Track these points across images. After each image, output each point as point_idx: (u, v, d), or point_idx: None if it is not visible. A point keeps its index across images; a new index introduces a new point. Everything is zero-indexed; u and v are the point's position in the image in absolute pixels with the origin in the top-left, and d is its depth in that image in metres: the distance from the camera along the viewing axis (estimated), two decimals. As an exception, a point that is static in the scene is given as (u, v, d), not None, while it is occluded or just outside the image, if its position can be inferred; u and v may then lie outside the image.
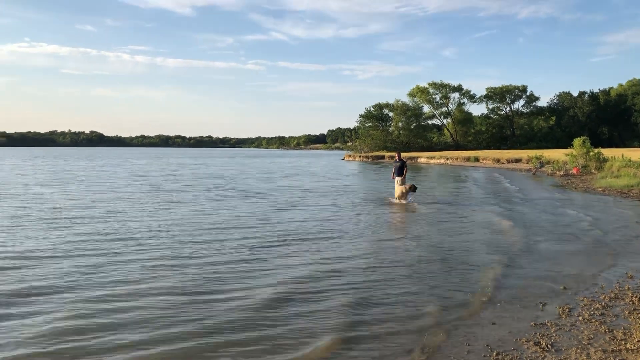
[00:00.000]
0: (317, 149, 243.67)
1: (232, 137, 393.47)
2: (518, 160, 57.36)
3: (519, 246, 12.45)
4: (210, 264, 10.29)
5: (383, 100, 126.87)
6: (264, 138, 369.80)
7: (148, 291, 8.35)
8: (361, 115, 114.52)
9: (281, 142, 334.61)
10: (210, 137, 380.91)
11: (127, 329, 6.66)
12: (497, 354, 5.90)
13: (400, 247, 12.36)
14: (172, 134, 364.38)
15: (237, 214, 17.90)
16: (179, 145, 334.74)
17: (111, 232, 13.95)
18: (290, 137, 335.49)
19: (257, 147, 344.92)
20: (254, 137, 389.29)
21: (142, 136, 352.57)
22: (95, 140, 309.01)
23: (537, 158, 48.72)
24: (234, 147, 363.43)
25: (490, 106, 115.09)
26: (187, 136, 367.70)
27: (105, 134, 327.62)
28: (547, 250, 11.96)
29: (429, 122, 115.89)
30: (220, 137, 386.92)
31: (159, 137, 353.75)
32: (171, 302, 7.77)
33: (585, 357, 5.74)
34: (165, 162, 74.61)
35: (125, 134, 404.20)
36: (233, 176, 41.12)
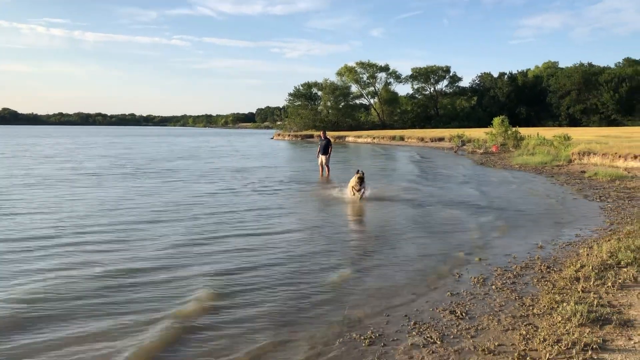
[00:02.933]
0: (246, 128, 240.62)
1: (157, 115, 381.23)
2: (441, 139, 59.14)
3: (437, 220, 12.89)
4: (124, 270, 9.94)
5: (312, 79, 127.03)
6: (190, 116, 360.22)
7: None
8: (290, 94, 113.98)
9: (208, 121, 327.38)
10: (133, 115, 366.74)
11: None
12: (415, 324, 6.08)
13: (318, 222, 12.48)
14: (92, 111, 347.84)
15: (161, 200, 17.39)
16: (99, 124, 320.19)
17: None
18: (218, 116, 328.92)
19: (183, 126, 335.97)
20: (179, 115, 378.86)
21: (60, 114, 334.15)
22: (9, 117, 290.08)
23: (459, 137, 50.41)
24: (159, 125, 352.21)
25: (416, 86, 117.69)
26: (109, 114, 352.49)
27: (20, 112, 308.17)
28: (464, 223, 12.44)
29: (357, 101, 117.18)
30: (144, 115, 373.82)
31: (79, 114, 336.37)
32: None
33: (496, 323, 6.02)
34: (83, 141, 71.15)
35: (41, 111, 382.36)
36: (159, 157, 39.87)
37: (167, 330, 5.85)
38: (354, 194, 15.57)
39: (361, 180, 15.35)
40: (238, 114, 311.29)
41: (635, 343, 5.22)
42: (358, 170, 15.79)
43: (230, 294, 7.15)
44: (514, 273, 8.13)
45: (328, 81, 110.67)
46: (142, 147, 53.63)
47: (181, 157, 38.10)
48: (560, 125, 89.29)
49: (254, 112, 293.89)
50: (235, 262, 8.76)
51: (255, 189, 18.75)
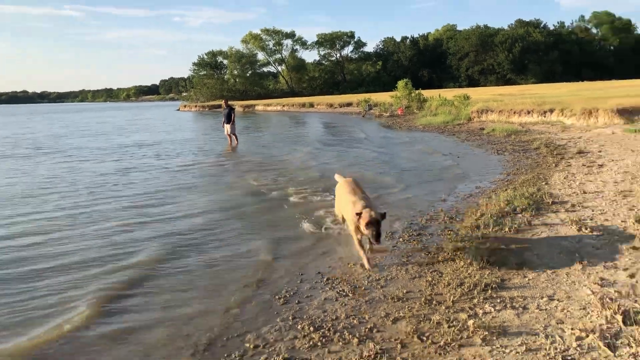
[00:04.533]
0: (150, 101, 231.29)
1: (53, 91, 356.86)
2: (349, 104, 59.96)
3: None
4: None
5: (217, 48, 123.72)
6: (89, 91, 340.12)
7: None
8: (194, 64, 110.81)
9: (109, 95, 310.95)
10: (25, 92, 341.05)
11: None
12: (328, 280, 6.20)
13: (232, 191, 12.38)
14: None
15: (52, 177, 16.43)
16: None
17: None
18: (119, 89, 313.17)
19: (82, 101, 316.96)
20: (77, 90, 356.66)
21: None
22: None
23: (366, 101, 51.31)
24: (56, 102, 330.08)
25: (322, 52, 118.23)
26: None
27: None
28: (371, 182, 12.76)
29: (265, 69, 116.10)
30: (38, 91, 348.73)
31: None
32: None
33: (404, 272, 6.26)
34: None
35: None
36: (61, 134, 37.48)
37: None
38: (360, 245, 6.74)
39: (377, 223, 6.19)
40: (141, 86, 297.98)
41: (529, 280, 5.62)
42: (364, 200, 6.70)
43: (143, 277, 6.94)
44: (420, 225, 8.47)
45: (233, 49, 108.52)
46: (40, 125, 50.14)
47: (84, 134, 36.01)
48: (460, 86, 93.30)
49: (158, 84, 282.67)
50: (158, 239, 8.50)
51: (165, 166, 18.11)
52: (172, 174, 15.36)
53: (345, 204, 6.83)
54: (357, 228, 6.36)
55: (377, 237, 6.06)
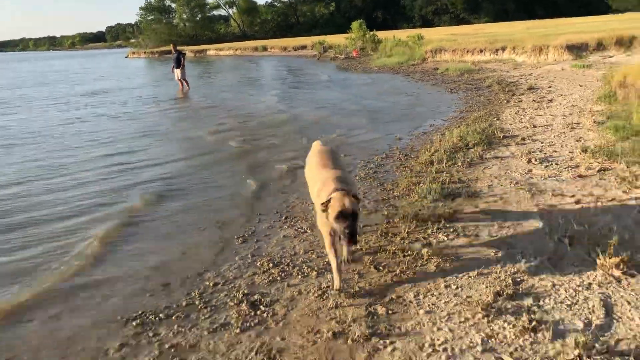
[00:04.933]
0: (97, 49, 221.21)
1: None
2: (304, 47, 58.91)
3: (270, 123, 13.09)
4: None
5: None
6: (31, 39, 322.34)
7: None
8: (142, 8, 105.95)
9: (52, 43, 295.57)
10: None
11: None
12: (286, 218, 6.24)
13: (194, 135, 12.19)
14: None
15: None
16: None
17: None
18: (63, 37, 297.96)
19: (23, 50, 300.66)
20: (17, 39, 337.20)
21: None
22: None
23: (320, 43, 50.51)
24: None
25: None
26: None
27: None
28: (329, 124, 12.74)
29: (215, 13, 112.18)
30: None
31: None
32: None
33: (361, 208, 6.33)
34: None
35: None
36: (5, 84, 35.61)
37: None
38: (333, 248, 4.32)
39: (353, 216, 3.92)
40: (86, 33, 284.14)
41: (481, 210, 5.80)
42: (338, 180, 4.33)
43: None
44: (376, 163, 8.55)
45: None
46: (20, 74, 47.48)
47: (33, 84, 34.30)
48: (414, 27, 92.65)
49: (104, 30, 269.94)
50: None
51: (116, 115, 17.51)
52: (122, 123, 14.90)
53: (313, 183, 4.70)
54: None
55: (352, 235, 3.82)
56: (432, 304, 3.80)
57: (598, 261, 4.05)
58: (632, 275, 3.82)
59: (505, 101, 13.58)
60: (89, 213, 6.87)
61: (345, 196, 3.90)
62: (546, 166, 7.16)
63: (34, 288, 4.74)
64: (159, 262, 5.23)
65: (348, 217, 3.82)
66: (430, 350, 3.20)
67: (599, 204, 5.44)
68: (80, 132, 13.34)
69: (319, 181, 4.43)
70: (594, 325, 3.25)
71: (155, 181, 8.34)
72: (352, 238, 3.83)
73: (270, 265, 4.85)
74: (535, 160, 7.48)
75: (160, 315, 4.05)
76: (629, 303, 3.47)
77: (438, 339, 3.32)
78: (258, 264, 4.93)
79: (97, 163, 9.70)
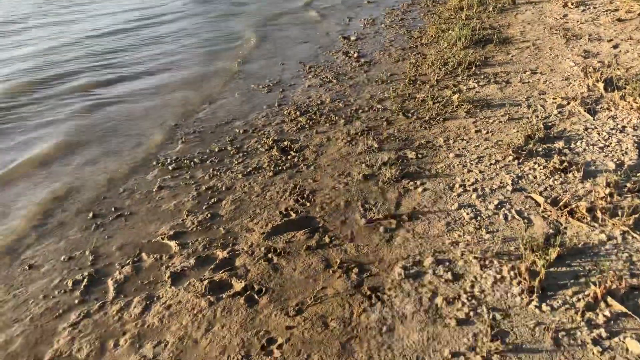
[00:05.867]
0: None
1: None
2: None
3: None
4: None
5: None
6: None
7: None
8: None
9: None
10: None
11: None
12: (310, 68, 6.12)
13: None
14: None
15: None
16: None
17: None
18: None
19: None
20: None
21: None
22: None
23: None
24: None
25: None
26: None
27: None
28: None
29: None
30: None
31: None
32: None
33: (387, 57, 6.17)
34: None
35: None
36: None
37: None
38: None
39: None
40: None
41: (512, 56, 5.59)
42: None
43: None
44: (402, 10, 8.17)
45: None
46: None
47: None
48: None
49: None
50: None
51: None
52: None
53: None
54: None
55: None
56: (462, 148, 3.82)
57: (634, 104, 3.96)
58: (669, 118, 3.75)
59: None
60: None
61: None
62: (583, 10, 6.76)
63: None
64: (183, 107, 5.26)
65: None
66: (460, 190, 3.27)
67: (639, 47, 5.19)
68: None
69: None
70: (626, 165, 3.25)
71: (176, 33, 8.13)
72: None
73: (298, 113, 4.84)
74: (572, 4, 7.05)
75: (195, 160, 4.15)
76: (663, 145, 3.44)
77: (468, 180, 3.37)
78: (285, 112, 4.92)
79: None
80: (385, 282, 2.57)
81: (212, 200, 3.52)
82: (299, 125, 4.60)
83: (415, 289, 2.49)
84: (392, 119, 4.49)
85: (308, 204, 3.35)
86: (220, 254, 2.93)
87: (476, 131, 4.04)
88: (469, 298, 2.39)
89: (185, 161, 4.14)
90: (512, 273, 2.49)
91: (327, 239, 2.95)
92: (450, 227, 2.92)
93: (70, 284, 2.86)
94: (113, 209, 3.57)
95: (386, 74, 5.58)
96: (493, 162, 3.55)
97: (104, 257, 3.07)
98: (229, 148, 4.30)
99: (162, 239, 3.15)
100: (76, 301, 2.73)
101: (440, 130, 4.16)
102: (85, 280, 2.87)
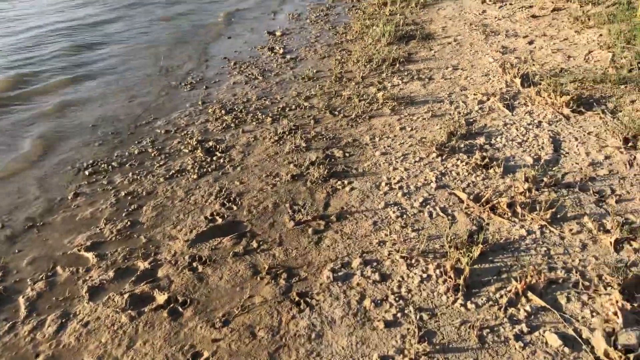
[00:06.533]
0: None
1: None
2: None
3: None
4: None
5: None
6: None
7: None
8: None
9: None
10: None
11: None
12: (235, 64, 5.99)
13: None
14: None
15: None
16: None
17: None
18: None
19: None
20: None
21: None
22: None
23: None
24: None
25: None
26: None
27: None
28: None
29: None
30: None
31: None
32: None
33: (313, 53, 6.14)
34: None
35: None
36: None
37: None
38: None
39: None
40: None
41: (435, 52, 5.70)
42: None
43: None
44: (327, 6, 8.17)
45: None
46: None
47: None
48: None
49: None
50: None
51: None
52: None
53: None
54: None
55: None
56: (388, 146, 3.84)
57: (549, 100, 4.13)
58: (581, 113, 3.92)
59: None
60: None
61: None
62: (500, 7, 7.01)
63: None
64: (105, 110, 5.00)
65: None
66: (387, 188, 3.28)
67: (552, 44, 5.43)
68: None
69: None
70: (542, 160, 3.38)
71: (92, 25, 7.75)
72: None
73: (223, 112, 4.72)
74: (490, 0, 7.29)
75: (113, 163, 3.94)
76: (576, 139, 3.60)
77: (394, 178, 3.39)
78: (210, 111, 4.78)
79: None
80: (314, 286, 2.53)
81: (132, 207, 3.36)
82: (224, 125, 4.48)
83: (344, 292, 2.47)
84: (320, 117, 4.46)
85: (235, 208, 3.26)
86: (142, 265, 2.80)
87: (401, 128, 4.08)
88: (397, 299, 2.39)
89: (102, 165, 3.94)
90: (437, 271, 2.52)
91: (254, 244, 2.88)
92: (377, 227, 2.92)
93: (-25, 304, 2.64)
94: (24, 218, 3.34)
95: (312, 71, 5.54)
96: (417, 159, 3.60)
97: (14, 272, 2.86)
98: (149, 150, 4.12)
99: (79, 250, 2.97)
100: (-18, 323, 2.52)
101: (367, 128, 4.17)
102: (-7, 299, 2.66)
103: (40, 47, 6.95)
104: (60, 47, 6.86)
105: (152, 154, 4.05)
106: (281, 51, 6.28)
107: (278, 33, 6.99)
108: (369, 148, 3.85)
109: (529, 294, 2.32)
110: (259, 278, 2.62)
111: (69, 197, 3.55)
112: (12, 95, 5.45)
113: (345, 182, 3.42)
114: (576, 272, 2.43)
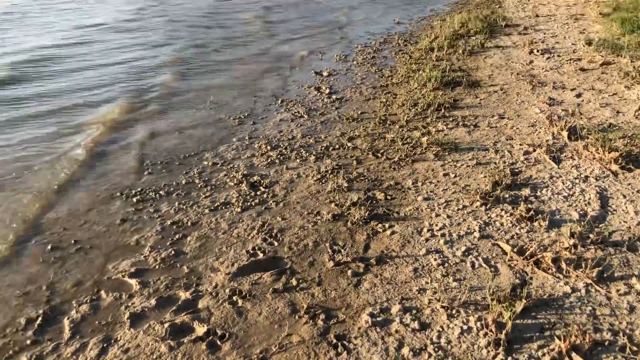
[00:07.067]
0: None
1: None
2: None
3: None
4: None
5: None
6: None
7: None
8: None
9: None
10: None
11: None
12: (282, 102, 6.12)
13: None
14: None
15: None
16: None
17: None
18: None
19: None
20: None
21: None
22: None
23: None
24: None
25: None
26: None
27: None
28: (324, 7, 12.20)
29: None
30: None
31: None
32: None
33: (358, 95, 6.23)
34: None
35: None
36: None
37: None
38: None
39: None
40: None
41: (481, 100, 5.72)
42: None
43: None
44: (374, 48, 8.31)
45: None
46: None
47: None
48: None
49: None
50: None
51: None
52: None
53: None
54: None
55: None
56: (431, 191, 3.84)
57: (596, 155, 4.08)
58: (630, 170, 3.86)
59: (508, -12, 13.02)
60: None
61: None
62: (548, 58, 7.00)
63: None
64: (151, 139, 5.17)
65: None
66: (428, 235, 3.28)
67: (601, 98, 5.38)
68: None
69: None
70: (589, 216, 3.32)
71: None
72: None
73: (268, 148, 4.81)
74: (537, 51, 7.30)
75: (161, 192, 4.06)
76: (624, 196, 3.53)
77: (436, 225, 3.38)
78: (256, 146, 4.89)
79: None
80: (352, 329, 2.53)
81: (177, 236, 3.44)
82: (269, 160, 4.57)
83: (382, 338, 2.45)
84: (362, 158, 4.50)
85: (276, 243, 3.30)
86: (183, 295, 2.85)
87: (444, 174, 4.09)
88: (436, 349, 2.36)
89: (150, 193, 4.05)
90: (479, 324, 2.48)
91: (294, 281, 2.91)
92: (417, 273, 2.91)
93: (23, 322, 2.73)
94: (73, 241, 3.45)
95: (357, 112, 5.62)
96: (461, 207, 3.58)
97: (61, 293, 2.95)
98: (196, 181, 4.23)
99: (123, 276, 3.05)
100: (28, 342, 2.60)
101: (409, 172, 4.19)
102: (40, 318, 2.74)
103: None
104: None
105: (199, 185, 4.15)
106: (327, 91, 6.40)
107: (325, 73, 7.14)
108: (411, 192, 3.86)
109: (573, 354, 2.26)
110: (297, 317, 2.63)
111: (117, 222, 3.66)
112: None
113: (386, 225, 3.43)
114: (623, 335, 2.36)
